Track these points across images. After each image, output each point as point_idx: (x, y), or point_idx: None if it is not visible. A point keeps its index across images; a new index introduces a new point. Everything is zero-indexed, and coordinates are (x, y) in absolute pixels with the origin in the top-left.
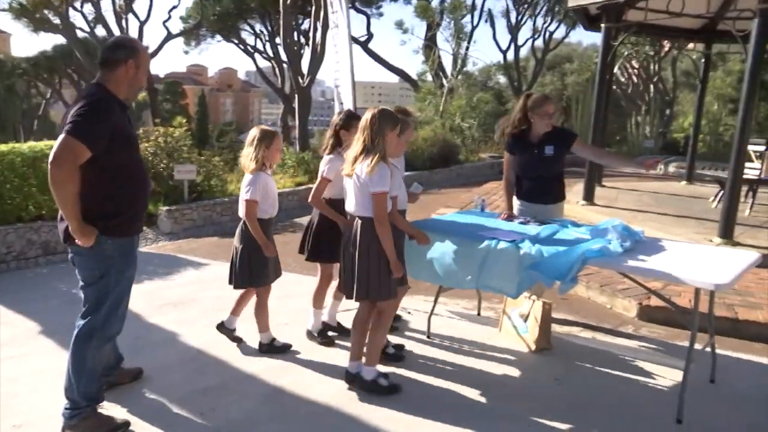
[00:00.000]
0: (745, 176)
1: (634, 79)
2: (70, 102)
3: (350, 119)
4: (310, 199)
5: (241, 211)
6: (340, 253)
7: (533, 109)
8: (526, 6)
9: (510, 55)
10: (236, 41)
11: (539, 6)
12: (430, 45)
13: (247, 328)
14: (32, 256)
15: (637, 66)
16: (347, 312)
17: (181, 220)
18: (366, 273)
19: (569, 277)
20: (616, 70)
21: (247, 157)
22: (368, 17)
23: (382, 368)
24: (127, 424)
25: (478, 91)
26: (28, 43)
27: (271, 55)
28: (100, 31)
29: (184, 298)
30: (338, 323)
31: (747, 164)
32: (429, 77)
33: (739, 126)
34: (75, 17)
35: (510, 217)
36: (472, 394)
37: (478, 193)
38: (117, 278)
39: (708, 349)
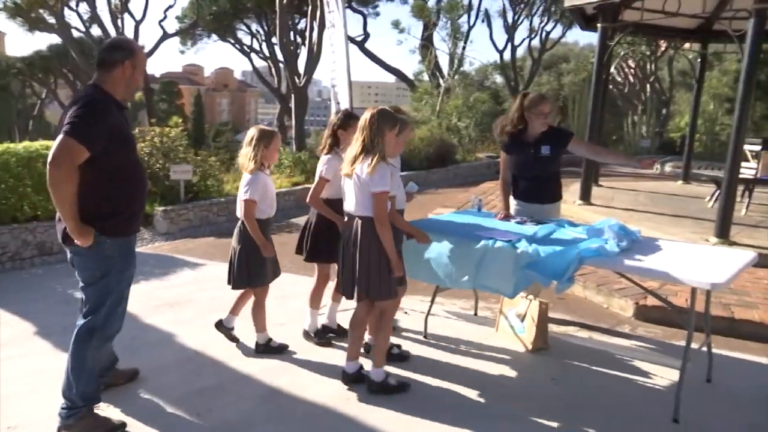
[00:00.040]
0: (741, 176)
1: (631, 78)
2: (65, 102)
3: (348, 119)
4: (308, 200)
5: (240, 211)
6: (337, 254)
7: (529, 108)
8: (522, 6)
9: (507, 55)
10: (232, 41)
11: (536, 6)
12: (426, 45)
13: (244, 327)
14: (27, 256)
15: (633, 66)
16: (344, 312)
17: (177, 221)
18: (366, 272)
19: (566, 277)
20: (612, 69)
21: (246, 156)
22: (365, 17)
23: (370, 366)
24: (123, 425)
25: (474, 90)
26: (23, 42)
27: (268, 54)
28: (95, 31)
29: (180, 299)
30: (338, 325)
31: (743, 164)
32: (426, 77)
33: (735, 125)
34: (70, 17)
35: (507, 217)
36: (470, 394)
37: (475, 193)
38: (118, 278)
39: (704, 348)
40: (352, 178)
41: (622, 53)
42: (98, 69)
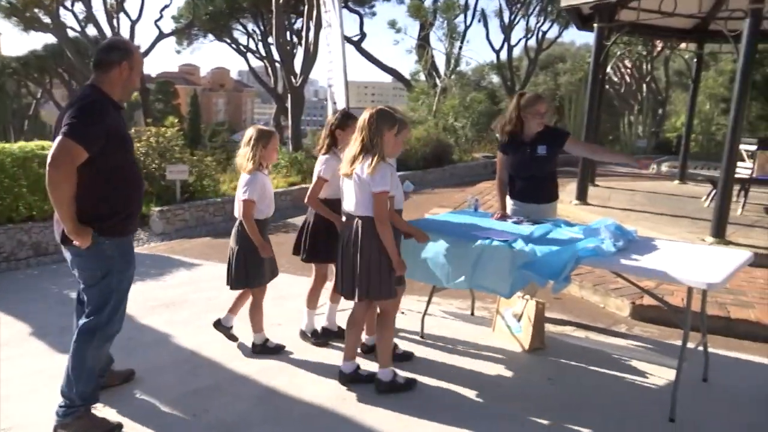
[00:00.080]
0: (737, 175)
1: (627, 78)
2: (61, 102)
3: (346, 119)
4: (306, 200)
5: (238, 211)
6: (335, 254)
7: (525, 108)
8: (519, 6)
9: (503, 55)
10: (229, 41)
11: (532, 6)
12: (423, 45)
13: (240, 328)
14: (23, 257)
15: (629, 66)
16: (343, 312)
17: (173, 221)
18: (367, 273)
19: (562, 277)
20: (608, 69)
21: (244, 156)
22: (361, 17)
23: (367, 366)
24: (119, 426)
25: (471, 90)
26: (18, 42)
27: (264, 54)
28: (91, 31)
29: (176, 299)
30: (339, 327)
31: (739, 163)
32: (422, 77)
33: (731, 125)
34: (66, 16)
35: (503, 217)
36: (467, 394)
37: (472, 193)
38: (119, 278)
39: (700, 347)
40: (351, 178)
41: (619, 53)
42: (95, 70)
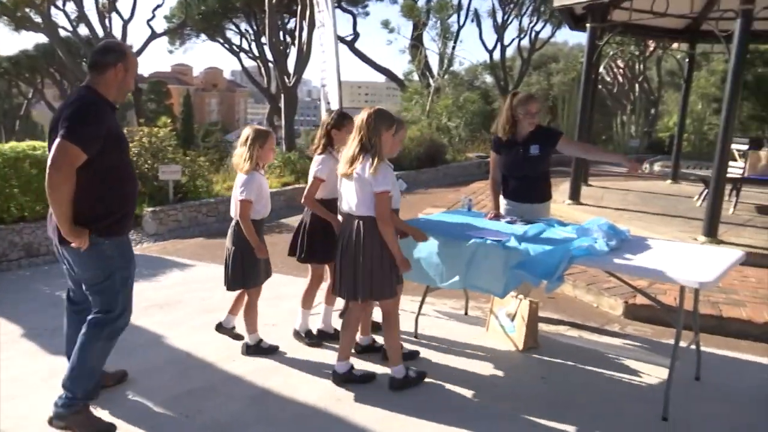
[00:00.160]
0: (728, 175)
1: (620, 78)
2: (53, 102)
3: (342, 119)
4: (303, 200)
5: (234, 212)
6: (332, 254)
7: (517, 108)
8: (512, 6)
9: (496, 55)
10: (221, 41)
11: (525, 6)
12: (416, 44)
13: (237, 327)
14: (14, 258)
15: (622, 66)
16: (338, 312)
17: (166, 221)
18: (370, 273)
19: (556, 276)
20: (601, 69)
21: (241, 156)
22: (354, 16)
23: (361, 366)
24: (113, 427)
25: (464, 90)
26: (9, 41)
27: (257, 54)
28: (82, 30)
29: (170, 300)
30: (335, 329)
31: (730, 163)
32: (415, 77)
33: (723, 125)
34: (57, 16)
35: (497, 217)
36: (461, 393)
37: (465, 193)
38: (122, 275)
39: (693, 346)
40: (350, 178)
41: (611, 53)
42: (91, 71)
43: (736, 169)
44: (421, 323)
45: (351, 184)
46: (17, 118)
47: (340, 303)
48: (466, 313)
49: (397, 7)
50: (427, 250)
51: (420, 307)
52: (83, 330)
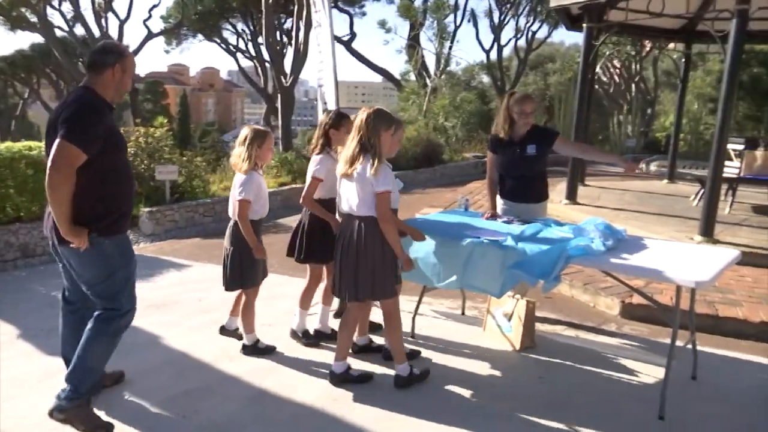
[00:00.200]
0: (724, 175)
1: (616, 78)
2: (49, 102)
3: (340, 118)
4: (301, 200)
5: (233, 212)
6: (331, 254)
7: (512, 107)
8: (508, 6)
9: (493, 55)
10: (218, 40)
11: (522, 6)
12: (413, 44)
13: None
14: (10, 258)
15: (618, 66)
16: (333, 311)
17: (162, 222)
18: (372, 273)
19: (552, 276)
20: (598, 69)
21: (239, 156)
22: (351, 16)
23: (358, 366)
24: (111, 426)
25: (461, 90)
26: (5, 41)
27: (254, 54)
28: (79, 30)
29: (166, 300)
30: (332, 329)
31: (726, 163)
32: (412, 77)
33: (719, 125)
34: (53, 15)
35: (493, 217)
36: (459, 393)
37: (462, 193)
38: (123, 273)
39: (689, 346)
40: (350, 179)
41: (608, 53)
42: (89, 71)
43: (732, 168)
44: (418, 323)
45: (351, 185)
46: (13, 119)
47: (335, 303)
48: (463, 313)
49: (393, 7)
50: (424, 250)
51: (417, 307)
52: (90, 325)
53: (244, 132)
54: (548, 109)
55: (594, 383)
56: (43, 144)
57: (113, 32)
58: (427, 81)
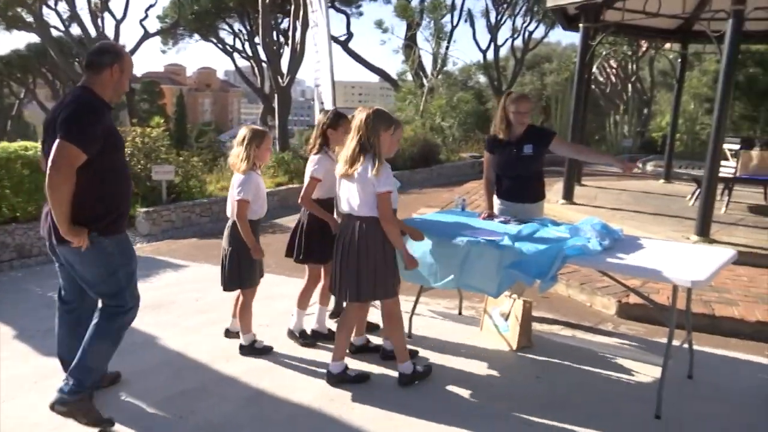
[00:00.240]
0: (720, 174)
1: (613, 78)
2: (45, 102)
3: (338, 118)
4: (300, 200)
5: (231, 212)
6: (330, 254)
7: (508, 107)
8: (505, 6)
9: (490, 55)
10: (215, 40)
11: (518, 6)
12: (410, 44)
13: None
14: (6, 259)
15: (615, 66)
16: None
17: (159, 222)
18: (374, 273)
19: (549, 276)
20: (594, 69)
21: (238, 156)
22: (348, 16)
23: (355, 366)
24: (111, 422)
25: (458, 90)
26: (1, 41)
27: (251, 54)
28: (75, 30)
29: (163, 301)
30: (329, 329)
31: (723, 163)
32: (409, 77)
33: (715, 125)
34: (49, 15)
35: (490, 216)
36: (456, 393)
37: (459, 193)
38: (125, 272)
39: (686, 345)
40: (350, 179)
41: (604, 53)
42: (87, 71)
43: (728, 168)
44: (415, 323)
45: (351, 185)
46: (9, 119)
47: (332, 303)
48: (460, 313)
49: (390, 7)
50: (421, 249)
51: (414, 307)
52: (94, 321)
53: (243, 132)
54: (545, 109)
55: (591, 383)
56: (39, 144)
57: (109, 32)
58: (424, 81)
